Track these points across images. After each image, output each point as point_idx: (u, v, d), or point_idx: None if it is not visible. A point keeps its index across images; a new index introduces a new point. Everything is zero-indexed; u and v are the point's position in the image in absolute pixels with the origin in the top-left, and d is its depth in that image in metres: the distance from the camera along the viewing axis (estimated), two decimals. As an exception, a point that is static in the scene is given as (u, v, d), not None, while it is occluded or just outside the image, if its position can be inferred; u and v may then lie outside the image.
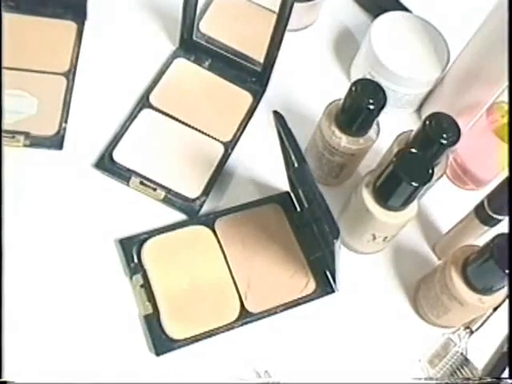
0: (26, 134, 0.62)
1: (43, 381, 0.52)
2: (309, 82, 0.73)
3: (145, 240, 0.59)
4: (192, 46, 0.70)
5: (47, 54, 0.67)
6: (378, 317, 0.61)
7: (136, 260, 0.58)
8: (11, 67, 0.65)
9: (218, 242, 0.61)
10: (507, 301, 0.55)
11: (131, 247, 0.59)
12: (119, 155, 0.63)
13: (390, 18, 0.70)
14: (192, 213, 0.62)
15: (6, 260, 0.56)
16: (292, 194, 0.64)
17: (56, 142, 0.63)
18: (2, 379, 0.48)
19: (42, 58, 0.67)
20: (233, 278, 0.59)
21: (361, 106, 0.56)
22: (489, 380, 0.58)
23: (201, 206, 0.62)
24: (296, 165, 0.53)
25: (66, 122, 0.64)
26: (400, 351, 0.59)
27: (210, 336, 0.56)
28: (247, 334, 0.57)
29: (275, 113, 0.54)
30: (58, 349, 0.54)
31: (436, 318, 0.59)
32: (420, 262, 0.64)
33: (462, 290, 0.54)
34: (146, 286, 0.57)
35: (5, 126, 0.62)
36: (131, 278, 0.58)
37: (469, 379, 0.58)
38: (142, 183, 0.62)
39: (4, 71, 0.64)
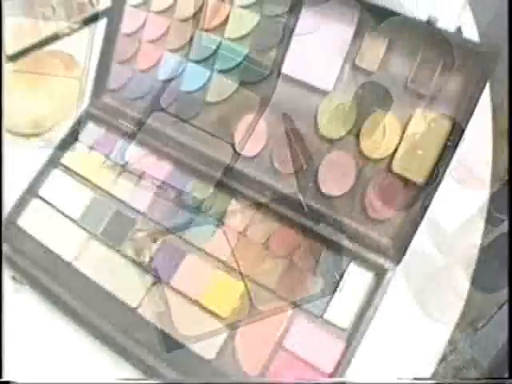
0: (40, 136, 0.63)
1: (50, 380, 0.53)
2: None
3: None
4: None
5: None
6: (382, 314, 0.61)
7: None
8: (26, 70, 0.67)
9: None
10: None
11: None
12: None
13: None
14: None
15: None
16: (300, 194, 0.65)
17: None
18: (3, 379, 0.49)
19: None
20: (241, 276, 0.60)
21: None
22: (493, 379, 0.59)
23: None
24: (305, 166, 0.54)
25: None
26: (405, 349, 0.59)
27: (219, 334, 0.57)
28: (256, 332, 0.58)
29: (284, 115, 0.55)
30: (71, 346, 0.56)
31: (442, 315, 0.60)
32: (424, 261, 0.64)
33: (467, 289, 0.55)
34: (158, 283, 0.58)
35: (19, 128, 0.63)
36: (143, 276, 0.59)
37: (474, 378, 0.59)
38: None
39: (19, 73, 0.66)
